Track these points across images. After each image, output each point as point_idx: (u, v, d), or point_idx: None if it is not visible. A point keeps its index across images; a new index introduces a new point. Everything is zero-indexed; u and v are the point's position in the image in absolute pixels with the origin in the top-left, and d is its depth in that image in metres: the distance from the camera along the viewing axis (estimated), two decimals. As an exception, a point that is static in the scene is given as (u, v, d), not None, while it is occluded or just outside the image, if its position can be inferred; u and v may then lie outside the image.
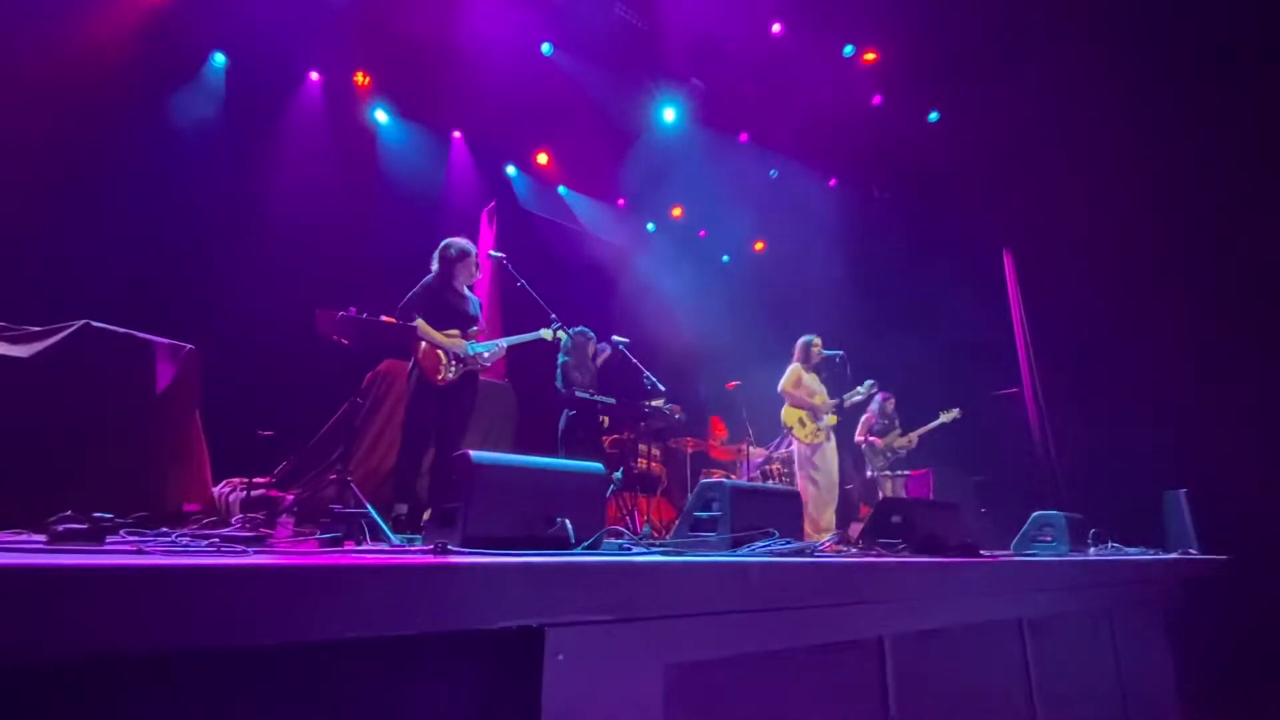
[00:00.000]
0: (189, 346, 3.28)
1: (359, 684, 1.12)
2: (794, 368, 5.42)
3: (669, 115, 7.85)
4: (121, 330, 3.01)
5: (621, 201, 9.01)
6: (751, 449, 6.27)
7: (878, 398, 6.32)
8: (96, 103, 5.22)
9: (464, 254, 3.88)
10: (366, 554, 1.52)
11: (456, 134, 7.74)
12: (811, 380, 5.41)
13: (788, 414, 5.35)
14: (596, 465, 1.89)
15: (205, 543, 1.57)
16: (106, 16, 5.47)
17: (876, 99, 7.76)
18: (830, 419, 5.31)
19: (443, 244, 3.92)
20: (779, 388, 5.38)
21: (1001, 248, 7.48)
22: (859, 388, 5.48)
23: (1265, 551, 4.67)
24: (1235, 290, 5.68)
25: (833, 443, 5.35)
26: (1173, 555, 4.24)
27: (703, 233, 9.63)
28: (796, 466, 5.39)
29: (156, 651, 0.87)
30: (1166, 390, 5.88)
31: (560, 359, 5.03)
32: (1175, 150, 5.90)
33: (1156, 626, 3.69)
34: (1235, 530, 4.64)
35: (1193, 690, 3.75)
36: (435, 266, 3.87)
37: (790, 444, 5.61)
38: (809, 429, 5.27)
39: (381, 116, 7.13)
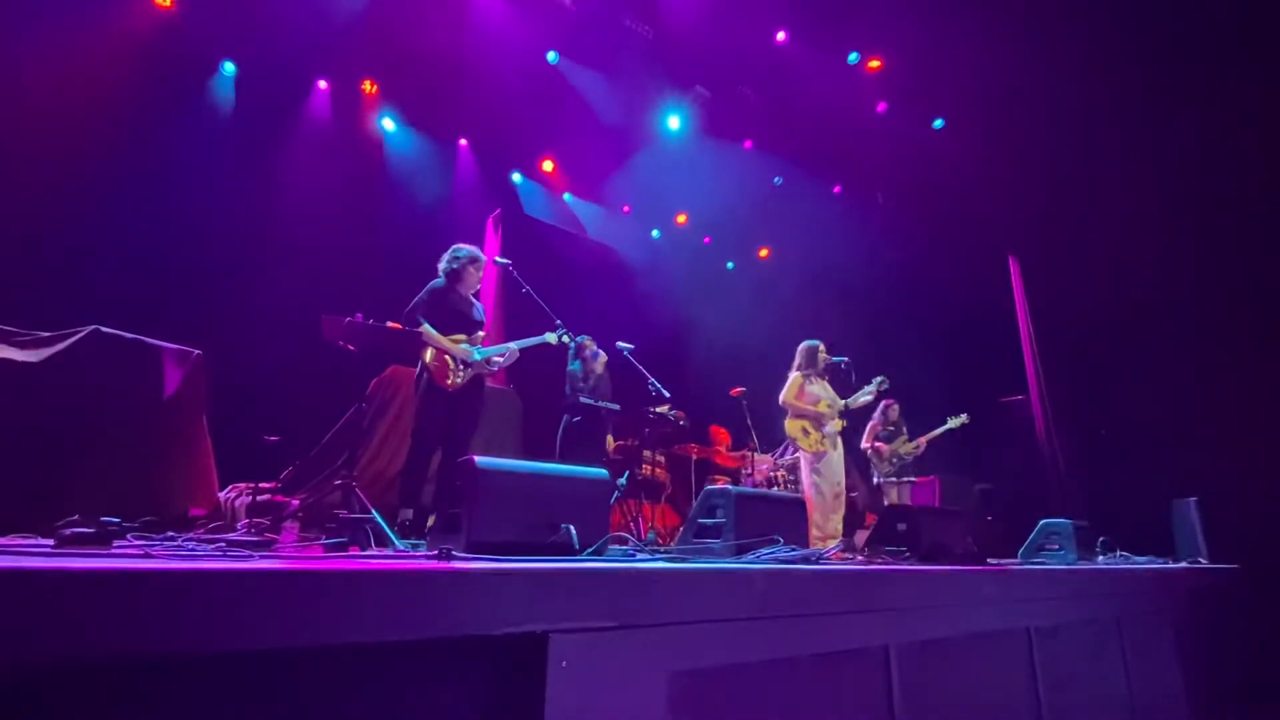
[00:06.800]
0: (196, 352, 3.31)
1: (363, 688, 1.12)
2: (795, 377, 5.29)
3: (674, 123, 7.88)
4: (130, 336, 3.03)
5: (626, 208, 9.04)
6: (756, 456, 6.24)
7: (881, 404, 6.27)
8: (107, 110, 5.28)
9: (473, 259, 3.92)
10: (371, 559, 1.53)
11: (463, 141, 7.79)
12: (816, 388, 5.27)
13: (790, 425, 5.24)
14: (601, 471, 1.89)
15: (211, 547, 1.57)
16: (117, 25, 5.54)
17: (881, 106, 7.77)
18: (836, 425, 5.18)
19: (451, 249, 3.95)
20: (780, 400, 5.25)
21: (1007, 254, 7.47)
22: (868, 386, 5.38)
23: (1275, 561, 4.62)
24: (1244, 295, 5.65)
25: (839, 450, 5.25)
26: (1182, 564, 4.20)
27: (707, 239, 9.65)
28: (802, 473, 5.34)
29: (162, 655, 0.87)
30: (1175, 397, 5.83)
31: (570, 367, 5.03)
32: (1183, 155, 5.88)
33: (1165, 636, 3.66)
34: (1245, 539, 4.60)
35: (1202, 701, 3.70)
36: (443, 271, 3.90)
37: (795, 451, 5.54)
38: (813, 438, 5.16)
39: (388, 124, 7.19)
